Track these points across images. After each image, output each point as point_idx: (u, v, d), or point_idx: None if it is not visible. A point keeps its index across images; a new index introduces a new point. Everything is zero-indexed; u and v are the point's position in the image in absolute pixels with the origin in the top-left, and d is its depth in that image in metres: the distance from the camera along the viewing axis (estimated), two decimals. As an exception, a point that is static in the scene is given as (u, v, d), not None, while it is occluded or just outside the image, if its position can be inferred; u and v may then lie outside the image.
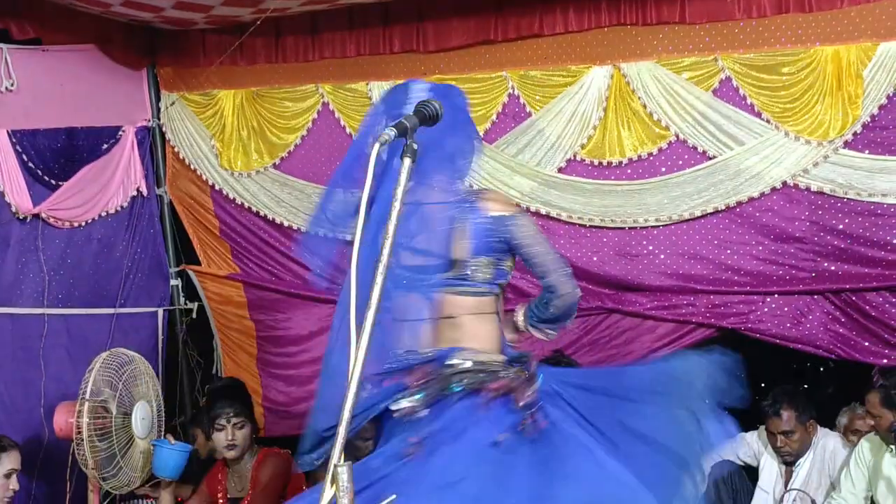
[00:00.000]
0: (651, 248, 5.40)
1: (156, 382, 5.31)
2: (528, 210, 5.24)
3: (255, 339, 6.45)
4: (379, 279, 2.32)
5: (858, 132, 4.92)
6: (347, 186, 2.99)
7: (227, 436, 4.84)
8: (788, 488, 5.11)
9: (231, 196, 6.28)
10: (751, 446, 5.31)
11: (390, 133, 2.42)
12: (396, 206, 2.40)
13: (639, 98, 5.24)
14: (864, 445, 4.94)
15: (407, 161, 2.43)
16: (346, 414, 2.20)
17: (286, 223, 6.15)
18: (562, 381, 3.10)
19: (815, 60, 4.92)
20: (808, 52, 4.94)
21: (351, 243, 2.38)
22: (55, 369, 5.68)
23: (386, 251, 2.37)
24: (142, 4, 5.48)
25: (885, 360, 5.02)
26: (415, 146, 2.45)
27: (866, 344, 5.11)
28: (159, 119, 6.45)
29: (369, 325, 2.28)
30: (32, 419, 5.52)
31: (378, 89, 5.77)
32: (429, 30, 5.67)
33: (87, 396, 4.84)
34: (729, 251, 5.26)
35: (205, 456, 5.62)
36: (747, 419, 5.60)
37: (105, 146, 6.09)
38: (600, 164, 5.37)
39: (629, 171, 5.34)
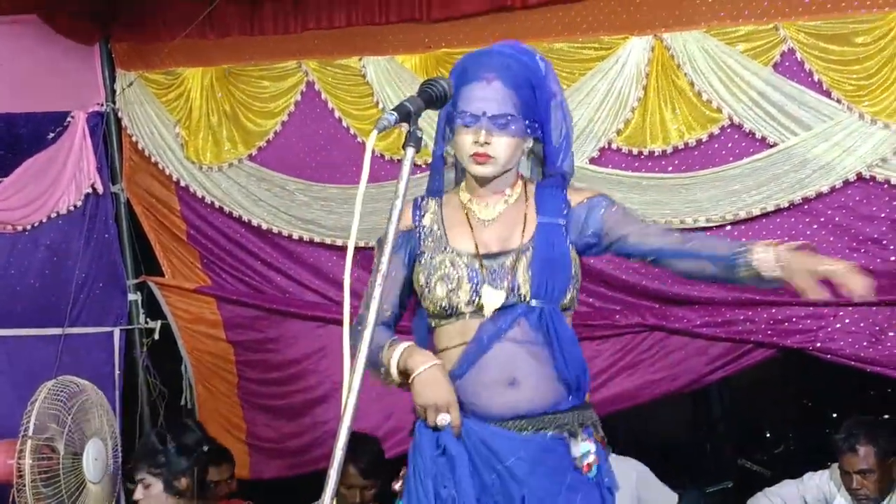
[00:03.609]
0: (701, 252, 5.38)
1: (111, 416, 5.31)
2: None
3: (235, 364, 6.46)
4: (377, 291, 2.33)
5: (948, 114, 4.92)
6: None
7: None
8: (866, 538, 5.09)
9: (199, 193, 6.28)
10: (821, 488, 5.29)
11: (390, 118, 2.42)
12: (398, 204, 2.40)
13: (685, 74, 5.23)
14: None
15: (410, 151, 2.43)
16: (339, 452, 2.20)
17: (265, 225, 6.16)
18: None
19: (895, 27, 4.91)
20: (887, 17, 4.90)
21: None
22: (-9, 400, 5.69)
23: (385, 257, 2.37)
24: (94, -33, 5.50)
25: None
26: (419, 133, 2.46)
27: (961, 366, 5.10)
28: (114, 103, 6.48)
29: (365, 345, 2.28)
30: (-36, 460, 5.52)
31: (373, 66, 5.78)
32: (434, -6, 5.68)
33: (31, 433, 4.84)
34: (794, 256, 5.24)
35: None
36: (818, 456, 5.60)
37: (51, 135, 6.12)
38: (640, 153, 5.36)
39: (675, 161, 5.32)
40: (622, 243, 3.12)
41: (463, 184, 3.25)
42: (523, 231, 3.12)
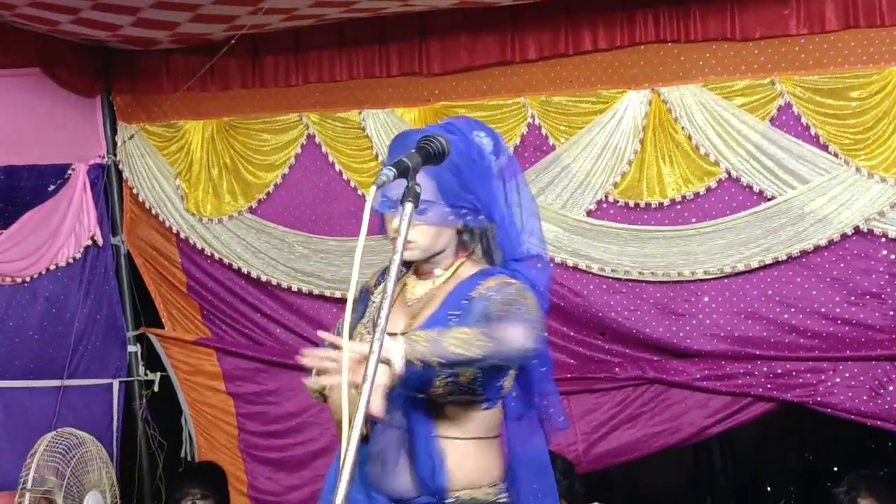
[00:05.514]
0: (700, 305, 5.40)
1: (110, 468, 5.31)
2: (552, 261, 5.25)
3: (235, 416, 6.45)
4: (376, 346, 2.35)
5: (944, 167, 4.95)
6: None
7: None
8: None
9: (199, 246, 6.31)
10: (822, 544, 5.29)
11: (388, 174, 2.46)
12: (396, 259, 2.44)
13: (682, 128, 5.27)
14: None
15: (409, 206, 2.47)
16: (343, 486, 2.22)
17: (264, 277, 6.18)
18: None
19: (890, 82, 4.95)
20: (882, 72, 4.97)
21: None
22: (-10, 453, 5.68)
23: (384, 312, 2.40)
24: (96, 22, 5.53)
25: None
26: (417, 188, 2.49)
27: (960, 419, 5.10)
28: (115, 155, 6.50)
29: (364, 401, 2.30)
30: (-38, 514, 5.52)
31: (373, 119, 5.83)
32: (433, 49, 5.73)
33: (29, 486, 4.84)
34: (793, 309, 5.26)
35: None
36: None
37: (52, 187, 6.13)
38: (637, 206, 5.39)
39: (672, 214, 5.36)
40: None
41: None
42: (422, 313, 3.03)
